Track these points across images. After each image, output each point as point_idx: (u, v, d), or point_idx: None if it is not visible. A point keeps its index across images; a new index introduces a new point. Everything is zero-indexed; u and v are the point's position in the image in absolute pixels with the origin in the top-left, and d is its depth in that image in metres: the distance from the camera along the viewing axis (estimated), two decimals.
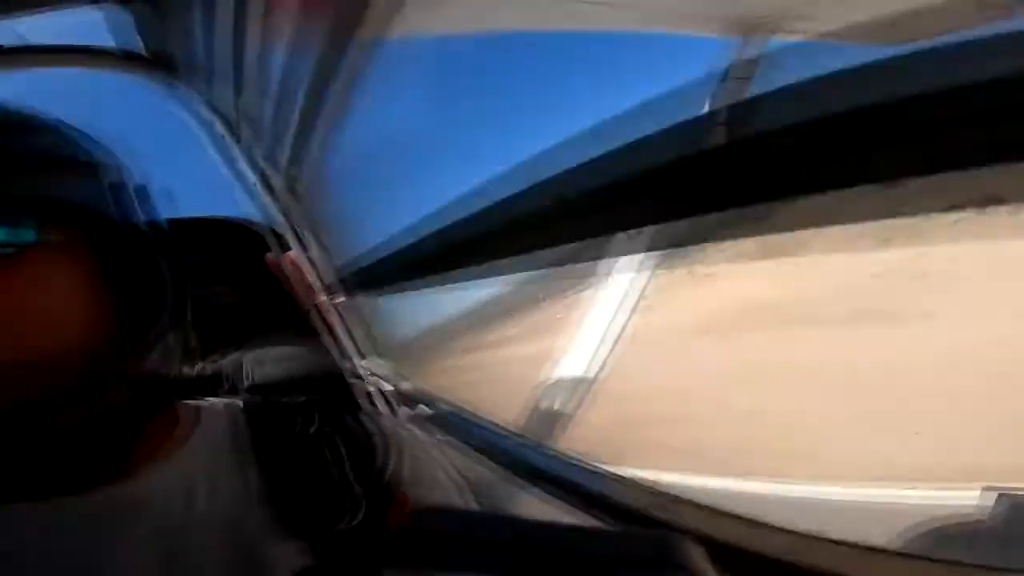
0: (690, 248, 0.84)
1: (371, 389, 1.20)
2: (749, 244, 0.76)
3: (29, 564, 0.42)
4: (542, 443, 0.92)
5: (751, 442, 0.75)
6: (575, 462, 0.83)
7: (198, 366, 0.59)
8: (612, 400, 0.94)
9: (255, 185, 1.46)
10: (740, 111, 0.69)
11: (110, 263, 0.45)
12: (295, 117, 1.28)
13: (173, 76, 1.47)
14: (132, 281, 0.46)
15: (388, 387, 1.19)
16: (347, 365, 1.12)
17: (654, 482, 0.73)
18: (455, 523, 0.18)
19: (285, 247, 1.43)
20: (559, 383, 0.97)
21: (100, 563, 0.43)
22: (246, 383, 0.65)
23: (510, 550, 0.17)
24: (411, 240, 1.19)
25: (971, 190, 0.50)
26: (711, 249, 0.80)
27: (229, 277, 1.19)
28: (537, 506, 0.84)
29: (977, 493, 0.50)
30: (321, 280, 1.40)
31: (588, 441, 0.90)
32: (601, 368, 0.92)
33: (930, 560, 0.50)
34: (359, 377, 1.21)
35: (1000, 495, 0.48)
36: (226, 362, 0.65)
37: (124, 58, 1.46)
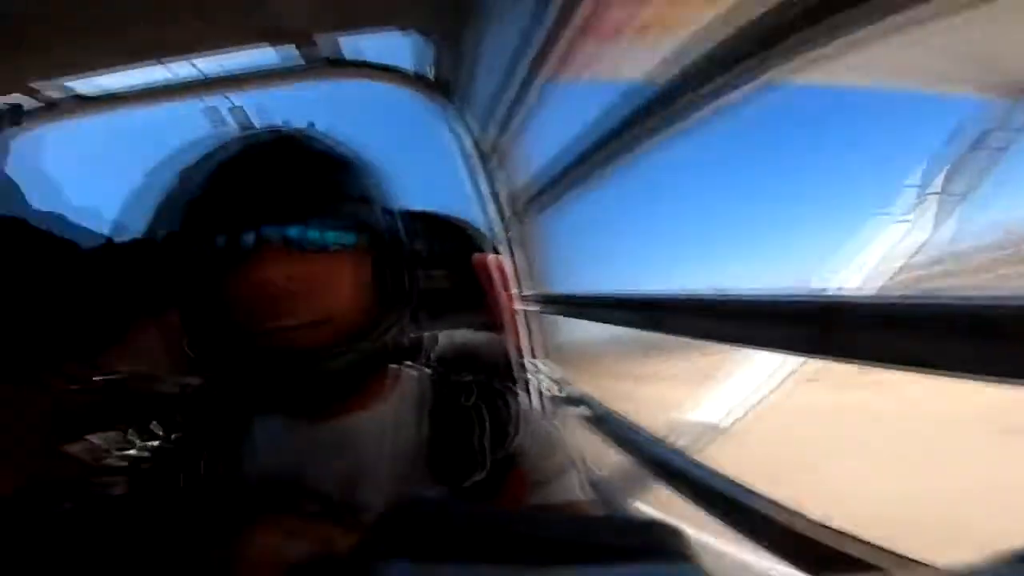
0: None
1: (533, 383, 1.36)
2: None
3: (307, 460, 0.62)
4: (685, 451, 0.97)
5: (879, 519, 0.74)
6: (714, 471, 0.87)
7: (410, 337, 0.71)
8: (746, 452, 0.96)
9: (486, 200, 1.68)
10: None
11: (378, 263, 0.63)
12: (552, 169, 1.37)
13: (449, 100, 1.69)
14: (387, 276, 0.64)
15: (550, 385, 1.33)
16: (518, 360, 1.23)
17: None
18: (457, 515, 0.18)
19: (495, 252, 1.65)
20: (697, 425, 1.02)
21: (339, 465, 0.62)
22: (434, 357, 0.78)
23: (511, 540, 0.17)
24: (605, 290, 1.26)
25: None
26: None
27: (446, 265, 1.45)
28: (674, 503, 0.91)
29: None
30: (517, 287, 1.61)
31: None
32: (740, 419, 0.95)
33: None
34: (526, 372, 1.38)
35: None
36: (427, 337, 0.79)
37: (412, 78, 1.68)
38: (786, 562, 0.72)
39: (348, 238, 0.60)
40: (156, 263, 0.63)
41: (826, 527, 0.69)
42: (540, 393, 1.39)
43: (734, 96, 0.84)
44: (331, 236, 0.58)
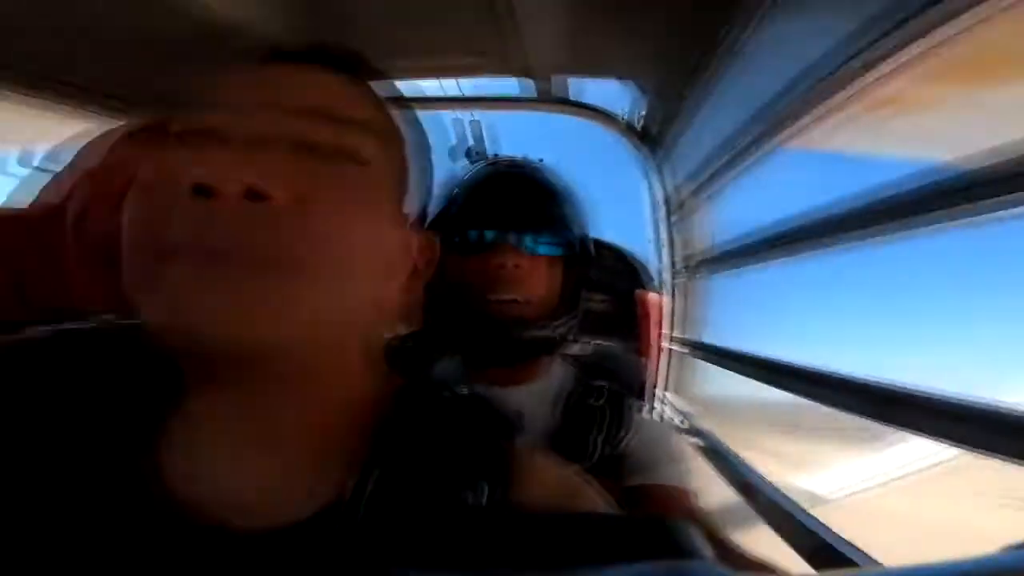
0: None
1: (658, 410, 1.46)
2: None
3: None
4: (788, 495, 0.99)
5: None
6: (823, 524, 0.88)
7: (573, 338, 0.92)
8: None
9: (663, 246, 1.82)
10: None
11: (567, 273, 0.87)
12: (741, 238, 1.39)
13: (653, 151, 1.82)
14: (571, 285, 0.87)
15: (674, 415, 1.42)
16: (652, 386, 1.33)
17: None
18: (466, 517, 0.17)
19: (654, 290, 1.79)
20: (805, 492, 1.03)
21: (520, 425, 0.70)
22: (582, 359, 0.95)
23: (522, 539, 0.17)
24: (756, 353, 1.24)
25: None
26: None
27: (614, 291, 1.62)
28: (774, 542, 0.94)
29: None
30: (668, 328, 1.73)
31: None
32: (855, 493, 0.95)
33: None
34: (655, 399, 1.49)
35: None
36: (582, 342, 0.98)
37: (622, 124, 1.83)
38: None
39: (554, 250, 0.84)
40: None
41: None
42: (662, 419, 1.50)
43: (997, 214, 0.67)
44: (543, 246, 0.83)
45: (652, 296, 1.76)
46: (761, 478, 1.07)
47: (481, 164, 0.93)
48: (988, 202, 0.66)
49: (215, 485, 0.38)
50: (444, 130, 1.88)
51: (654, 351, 1.64)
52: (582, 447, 0.81)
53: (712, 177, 1.41)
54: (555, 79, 1.67)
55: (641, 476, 0.81)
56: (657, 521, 0.18)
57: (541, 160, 0.94)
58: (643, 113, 1.77)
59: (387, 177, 0.41)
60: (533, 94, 1.77)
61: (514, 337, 0.82)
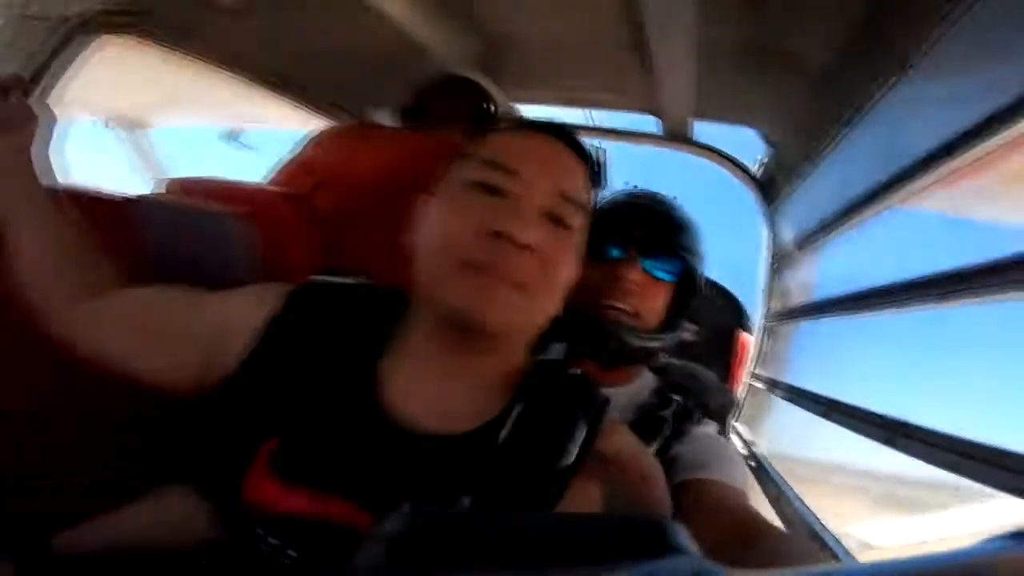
0: None
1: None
2: None
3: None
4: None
5: None
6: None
7: (665, 353, 1.00)
8: None
9: (763, 292, 1.88)
10: None
11: (677, 298, 0.95)
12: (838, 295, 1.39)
13: (767, 199, 1.89)
14: (678, 310, 0.95)
15: (740, 443, 1.47)
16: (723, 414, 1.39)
17: None
18: (459, 520, 0.18)
19: (749, 331, 1.88)
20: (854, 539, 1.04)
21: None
22: (667, 373, 1.01)
23: (512, 541, 0.17)
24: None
25: None
26: None
27: (712, 325, 1.70)
28: None
29: None
30: (752, 365, 1.79)
31: None
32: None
33: None
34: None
35: None
36: (673, 360, 1.07)
37: (741, 170, 1.94)
38: None
39: (669, 277, 0.93)
40: None
41: None
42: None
43: None
44: (660, 271, 0.93)
45: (745, 336, 1.88)
46: (810, 513, 1.09)
47: (627, 188, 1.03)
48: None
49: (420, 400, 0.60)
50: None
51: (736, 385, 1.71)
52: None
53: (822, 230, 1.45)
54: (683, 120, 1.80)
55: (692, 472, 0.84)
56: (654, 521, 0.18)
57: (675, 198, 1.03)
58: (764, 162, 1.86)
59: (581, 237, 0.65)
60: (660, 131, 1.91)
61: (616, 342, 0.90)
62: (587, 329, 0.90)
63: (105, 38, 1.07)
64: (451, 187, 0.63)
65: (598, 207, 0.95)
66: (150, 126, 2.16)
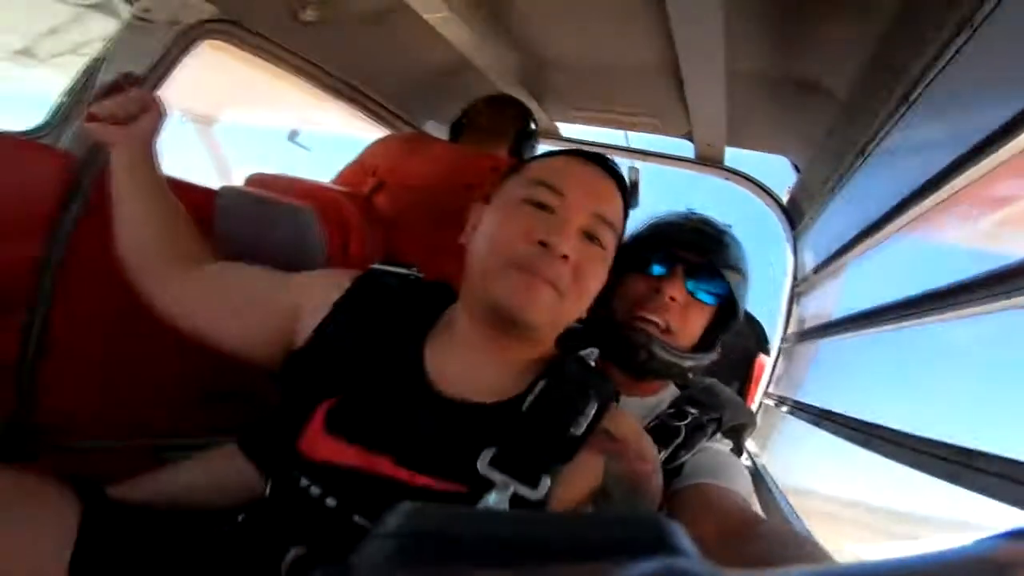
0: None
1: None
2: None
3: None
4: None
5: None
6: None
7: (693, 373, 0.99)
8: None
9: (783, 316, 1.92)
10: None
11: (712, 322, 0.97)
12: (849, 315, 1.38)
13: (791, 224, 1.94)
14: (712, 333, 0.97)
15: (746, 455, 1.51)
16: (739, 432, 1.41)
17: None
18: (451, 519, 0.18)
19: (767, 354, 1.93)
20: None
21: None
22: (687, 387, 1.00)
23: (506, 540, 0.17)
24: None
25: None
26: None
27: (734, 346, 1.76)
28: None
29: None
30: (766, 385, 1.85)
31: None
32: None
33: None
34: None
35: None
36: (698, 378, 1.02)
37: (768, 195, 1.99)
38: None
39: (709, 299, 0.96)
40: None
41: None
42: None
43: None
44: (701, 293, 0.95)
45: (763, 358, 1.94)
46: (805, 528, 1.10)
47: (683, 210, 1.04)
48: None
49: (459, 375, 0.71)
50: None
51: (750, 404, 1.78)
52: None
53: (839, 255, 1.49)
54: (715, 145, 1.87)
55: (695, 478, 0.84)
56: (650, 519, 0.18)
57: (730, 226, 1.03)
58: (791, 188, 1.91)
59: (612, 252, 0.75)
60: (694, 155, 1.99)
61: (642, 353, 0.91)
62: (616, 337, 0.92)
63: (205, 43, 1.21)
64: (506, 199, 0.73)
65: (653, 224, 1.01)
66: (219, 123, 2.35)
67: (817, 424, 1.29)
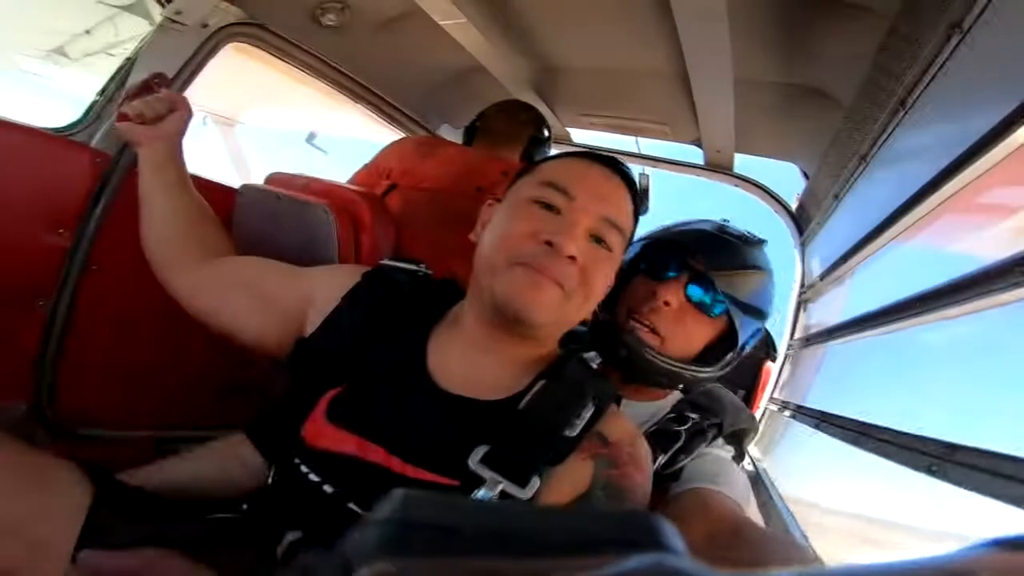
0: None
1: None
2: None
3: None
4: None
5: None
6: None
7: (694, 384, 0.97)
8: None
9: (789, 323, 1.92)
10: None
11: (724, 333, 0.94)
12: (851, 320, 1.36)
13: (799, 230, 1.95)
14: (718, 347, 0.94)
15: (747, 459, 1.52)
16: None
17: None
18: (441, 511, 0.17)
19: (773, 359, 1.93)
20: None
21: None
22: (691, 392, 0.98)
23: (498, 531, 0.17)
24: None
25: None
26: None
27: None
28: None
29: None
30: (772, 390, 1.86)
31: None
32: None
33: None
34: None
35: None
36: (705, 387, 0.99)
37: (776, 201, 1.99)
38: None
39: (717, 310, 0.92)
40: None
41: None
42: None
43: None
44: (707, 304, 0.92)
45: (769, 364, 1.94)
46: (802, 534, 1.09)
47: (710, 219, 1.00)
48: None
49: (461, 371, 0.72)
50: None
51: (755, 410, 1.79)
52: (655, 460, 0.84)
53: (845, 260, 1.48)
54: (725, 151, 1.89)
55: (692, 483, 0.84)
56: (638, 515, 0.18)
57: (764, 241, 0.99)
58: (799, 194, 1.92)
59: (619, 255, 0.76)
60: (703, 162, 2.01)
61: (622, 351, 0.90)
62: (607, 336, 0.92)
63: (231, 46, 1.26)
64: (516, 199, 0.74)
65: (673, 231, 1.00)
66: (240, 123, 2.41)
67: (817, 427, 1.30)
